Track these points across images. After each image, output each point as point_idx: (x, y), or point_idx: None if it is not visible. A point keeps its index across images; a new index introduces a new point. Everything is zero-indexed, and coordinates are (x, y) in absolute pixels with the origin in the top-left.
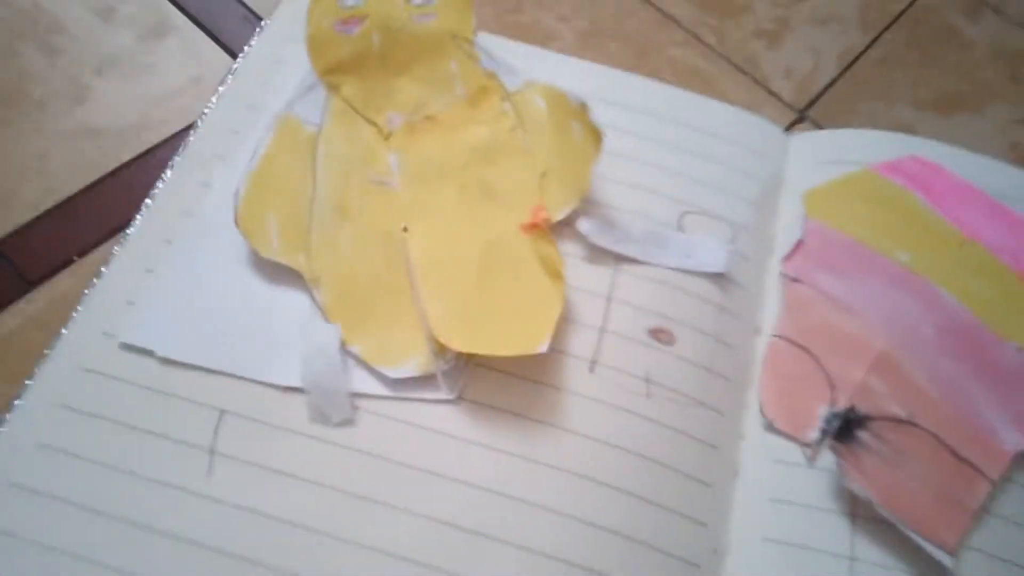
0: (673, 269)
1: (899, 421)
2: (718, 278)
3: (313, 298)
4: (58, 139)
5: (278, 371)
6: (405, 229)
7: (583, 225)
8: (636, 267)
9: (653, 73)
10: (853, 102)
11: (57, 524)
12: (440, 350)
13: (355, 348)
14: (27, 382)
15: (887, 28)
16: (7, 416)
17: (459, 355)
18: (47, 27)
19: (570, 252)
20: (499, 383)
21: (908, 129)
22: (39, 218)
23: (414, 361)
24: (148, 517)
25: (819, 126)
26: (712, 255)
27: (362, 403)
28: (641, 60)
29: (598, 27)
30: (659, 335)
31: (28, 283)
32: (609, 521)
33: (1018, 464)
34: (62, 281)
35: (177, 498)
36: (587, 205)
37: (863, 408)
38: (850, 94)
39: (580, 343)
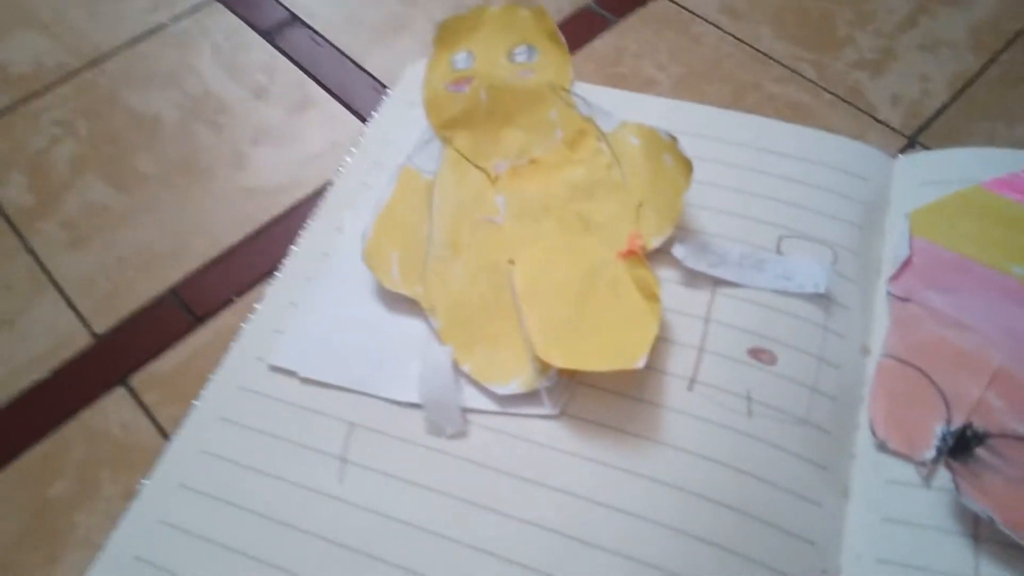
0: (772, 291)
1: (1021, 439)
2: (820, 299)
3: (429, 324)
4: (222, 199)
5: (400, 389)
6: (511, 261)
7: (678, 250)
8: (734, 290)
9: (752, 110)
10: (968, 124)
11: (212, 517)
12: (543, 369)
13: (466, 367)
14: (194, 402)
15: (1004, 49)
16: (178, 431)
17: (561, 373)
18: (214, 108)
19: (668, 277)
20: (600, 399)
21: None
22: (206, 265)
23: (519, 379)
24: (287, 515)
25: (931, 150)
26: (812, 276)
27: (473, 417)
28: (739, 98)
29: (694, 71)
30: (759, 355)
31: (197, 319)
32: (709, 533)
33: None
34: (224, 317)
35: (312, 499)
36: (684, 232)
37: (981, 425)
38: (964, 117)
39: (678, 362)
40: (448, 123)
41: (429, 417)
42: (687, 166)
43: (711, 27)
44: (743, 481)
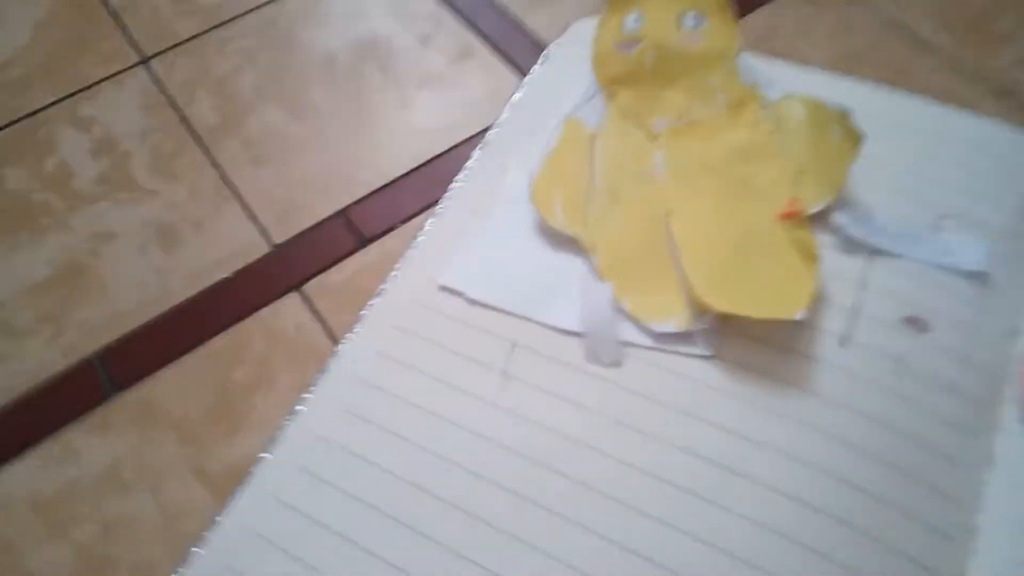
0: (929, 265)
1: None
2: (973, 277)
3: (590, 262)
4: (388, 135)
5: (560, 317)
6: (669, 214)
7: (838, 217)
8: (891, 260)
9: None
10: None
11: (383, 407)
12: (700, 311)
13: (625, 304)
14: (363, 312)
15: None
16: (351, 335)
17: (716, 317)
18: (383, 51)
19: (825, 243)
20: (753, 346)
21: None
22: (372, 193)
23: (675, 319)
24: (451, 414)
25: None
26: (971, 254)
27: (630, 350)
28: (894, 84)
29: (850, 53)
30: (913, 323)
31: (363, 240)
32: (853, 476)
33: None
34: (388, 241)
35: (476, 404)
36: (843, 203)
37: None
38: None
39: (832, 320)
40: (613, 80)
41: (589, 345)
42: (857, 138)
43: (868, 11)
44: (889, 435)
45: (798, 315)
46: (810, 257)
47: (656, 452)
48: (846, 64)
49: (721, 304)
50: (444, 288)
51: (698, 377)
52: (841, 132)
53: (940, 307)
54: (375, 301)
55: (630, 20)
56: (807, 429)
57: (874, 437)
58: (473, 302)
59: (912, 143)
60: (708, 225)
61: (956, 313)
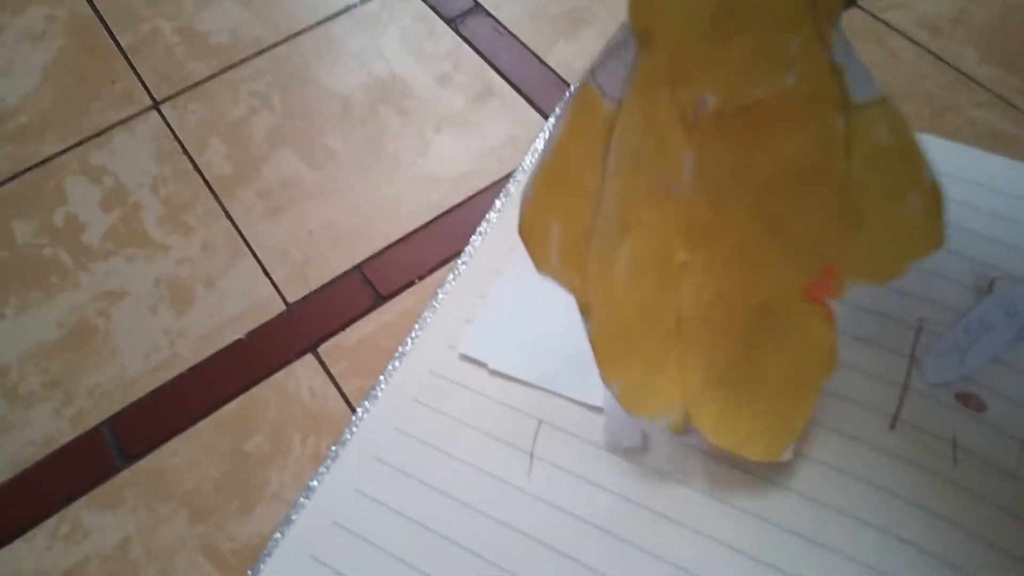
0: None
1: None
2: None
3: (584, 325)
4: (405, 183)
5: (588, 391)
6: (683, 263)
7: (928, 371)
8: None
9: (951, 135)
10: None
11: (399, 490)
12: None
13: (614, 387)
14: (380, 377)
15: None
16: (367, 404)
17: None
18: (400, 92)
19: (871, 307)
20: None
21: None
22: (390, 246)
23: (668, 417)
24: (473, 499)
25: None
26: None
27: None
28: (936, 121)
29: (888, 87)
30: (967, 400)
31: (381, 298)
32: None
33: None
34: (406, 299)
35: (501, 488)
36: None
37: None
38: None
39: (881, 398)
40: (653, 18)
41: (608, 427)
42: (937, 235)
43: (909, 42)
44: (945, 529)
45: (783, 457)
46: (823, 364)
47: (692, 545)
48: None
49: (710, 431)
50: (464, 358)
51: (732, 460)
52: (922, 207)
53: (997, 383)
54: (392, 370)
55: None
56: (851, 520)
57: (928, 532)
58: (495, 373)
59: (961, 196)
60: (724, 286)
61: (1013, 389)
